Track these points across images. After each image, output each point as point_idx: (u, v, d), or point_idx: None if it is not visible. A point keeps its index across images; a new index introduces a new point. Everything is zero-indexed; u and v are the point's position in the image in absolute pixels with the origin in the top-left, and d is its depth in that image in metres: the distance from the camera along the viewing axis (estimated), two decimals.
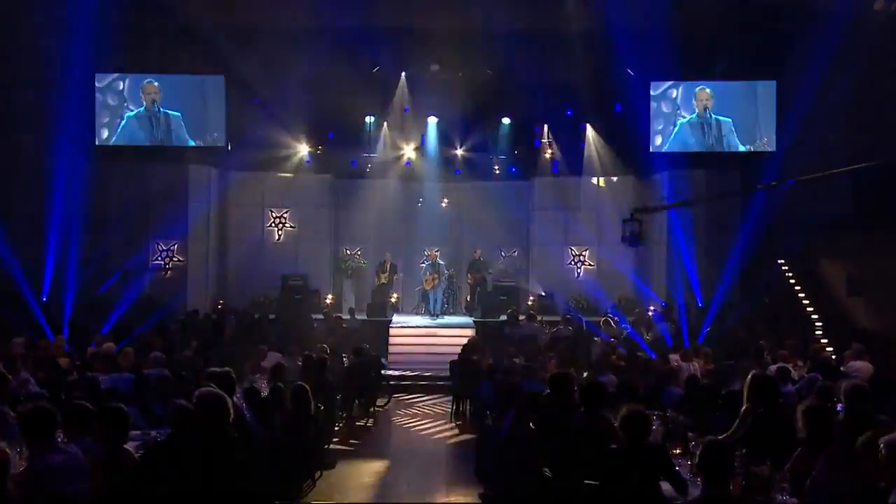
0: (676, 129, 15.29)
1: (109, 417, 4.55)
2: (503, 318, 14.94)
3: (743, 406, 5.64)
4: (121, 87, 15.71)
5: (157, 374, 7.48)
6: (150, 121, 15.77)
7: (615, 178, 17.26)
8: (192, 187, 16.30)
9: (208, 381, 6.04)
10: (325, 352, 10.00)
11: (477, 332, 14.21)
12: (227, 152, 16.36)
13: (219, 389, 5.02)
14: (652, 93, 15.87)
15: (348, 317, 14.64)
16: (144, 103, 15.79)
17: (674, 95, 15.41)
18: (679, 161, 16.00)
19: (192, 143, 15.99)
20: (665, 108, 15.78)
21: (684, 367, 9.29)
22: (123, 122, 15.74)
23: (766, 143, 14.97)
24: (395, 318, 15.95)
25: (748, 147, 15.20)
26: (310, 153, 17.44)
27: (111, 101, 15.73)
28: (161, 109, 15.84)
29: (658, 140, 15.98)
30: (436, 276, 16.19)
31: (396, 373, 13.24)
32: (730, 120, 15.28)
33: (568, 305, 16.63)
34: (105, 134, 15.66)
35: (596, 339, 12.14)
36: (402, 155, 17.77)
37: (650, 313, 14.56)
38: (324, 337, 12.38)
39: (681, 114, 15.26)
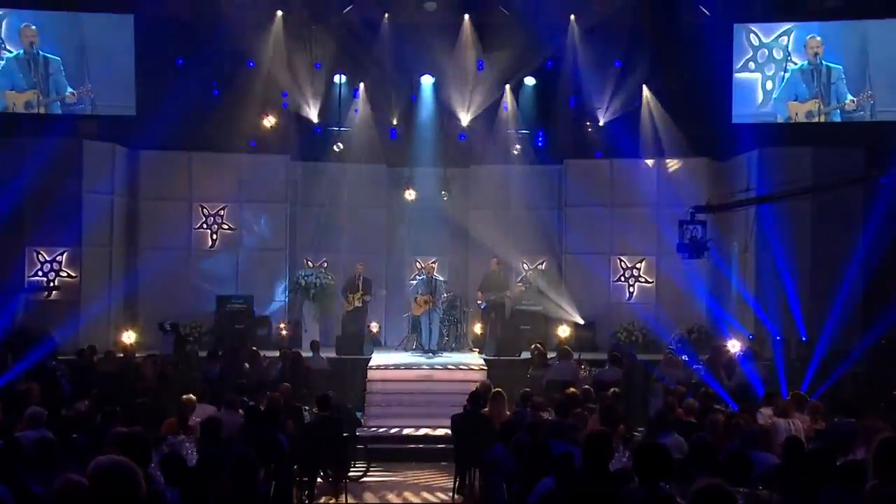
0: (788, 74, 16.41)
1: None
2: (526, 355, 15.00)
3: (868, 483, 5.60)
4: None
5: (36, 437, 7.29)
6: (29, 65, 16.32)
7: (682, 161, 17.46)
8: (89, 172, 16.31)
9: (111, 445, 6.03)
10: (277, 403, 9.97)
11: (489, 376, 14.25)
12: (138, 124, 16.50)
13: (126, 457, 4.86)
14: (760, 39, 16.41)
15: (310, 354, 14.64)
16: (23, 47, 16.35)
17: (785, 42, 16.50)
18: (774, 135, 16.08)
19: (81, 107, 16.33)
20: (760, 59, 16.51)
21: (781, 425, 9.39)
22: (2, 61, 16.34)
23: (871, 97, 16.05)
24: (376, 357, 15.97)
25: (857, 99, 16.14)
26: (257, 126, 17.56)
27: None
28: (40, 53, 16.38)
29: (760, 97, 16.43)
30: (430, 296, 16.20)
31: (377, 431, 13.33)
32: (840, 67, 16.30)
33: (616, 338, 16.77)
34: None
35: (655, 384, 12.40)
36: (386, 128, 18.13)
37: (732, 350, 14.58)
38: (276, 382, 12.39)
39: (792, 60, 16.47)
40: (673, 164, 17.54)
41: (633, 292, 17.89)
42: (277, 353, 14.54)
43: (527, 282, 17.84)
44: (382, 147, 18.21)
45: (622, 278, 17.96)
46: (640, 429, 10.39)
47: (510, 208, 18.25)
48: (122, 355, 14.38)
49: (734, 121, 16.52)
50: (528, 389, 11.72)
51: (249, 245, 17.85)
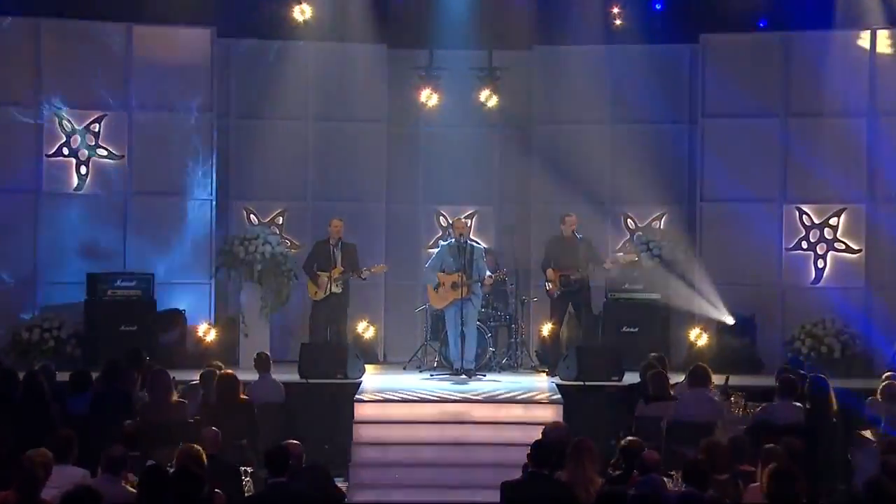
0: None
1: None
2: (632, 379, 14.59)
3: None
4: None
5: None
6: None
7: None
8: None
9: None
10: (196, 461, 9.49)
11: (567, 415, 14.23)
12: None
13: None
14: None
15: (255, 377, 14.31)
16: None
17: None
18: None
19: None
20: None
21: None
22: None
23: None
24: (370, 381, 15.96)
25: None
26: None
27: None
28: None
29: None
30: (462, 276, 15.95)
31: None
32: None
33: (793, 351, 16.64)
34: None
35: (864, 434, 12.15)
36: None
37: None
38: (194, 425, 12.14)
39: None
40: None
41: (823, 268, 17.49)
42: (198, 377, 14.04)
43: (636, 250, 17.57)
44: (379, 15, 18.08)
45: (804, 243, 17.56)
46: None
47: (605, 122, 18.33)
48: None
49: None
50: (634, 438, 11.24)
51: (145, 186, 17.80)
